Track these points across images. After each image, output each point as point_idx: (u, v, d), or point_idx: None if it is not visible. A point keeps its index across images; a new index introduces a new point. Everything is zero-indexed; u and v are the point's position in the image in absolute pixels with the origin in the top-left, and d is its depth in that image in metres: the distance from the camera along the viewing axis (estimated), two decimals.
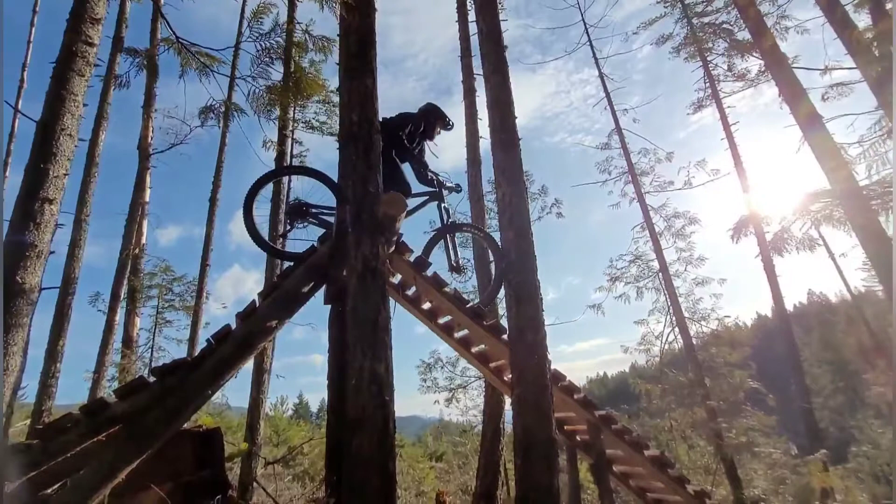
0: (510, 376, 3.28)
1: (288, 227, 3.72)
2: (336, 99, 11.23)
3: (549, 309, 3.61)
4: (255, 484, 5.76)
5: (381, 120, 4.03)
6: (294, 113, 10.86)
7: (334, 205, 3.60)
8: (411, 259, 3.97)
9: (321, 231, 3.73)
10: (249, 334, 3.20)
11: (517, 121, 3.87)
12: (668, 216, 11.65)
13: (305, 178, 3.73)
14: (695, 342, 10.42)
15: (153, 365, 10.90)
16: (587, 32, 13.46)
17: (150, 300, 12.14)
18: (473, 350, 4.67)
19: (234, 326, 3.22)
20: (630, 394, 13.22)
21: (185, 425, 3.30)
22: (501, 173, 3.56)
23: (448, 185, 4.33)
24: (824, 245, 10.23)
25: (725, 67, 12.27)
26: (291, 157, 11.31)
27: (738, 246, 10.93)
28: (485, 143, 8.19)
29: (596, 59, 13.28)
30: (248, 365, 7.40)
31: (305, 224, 3.76)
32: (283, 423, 13.97)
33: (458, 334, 4.59)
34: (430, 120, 4.16)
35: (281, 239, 3.69)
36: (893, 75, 3.71)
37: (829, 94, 8.10)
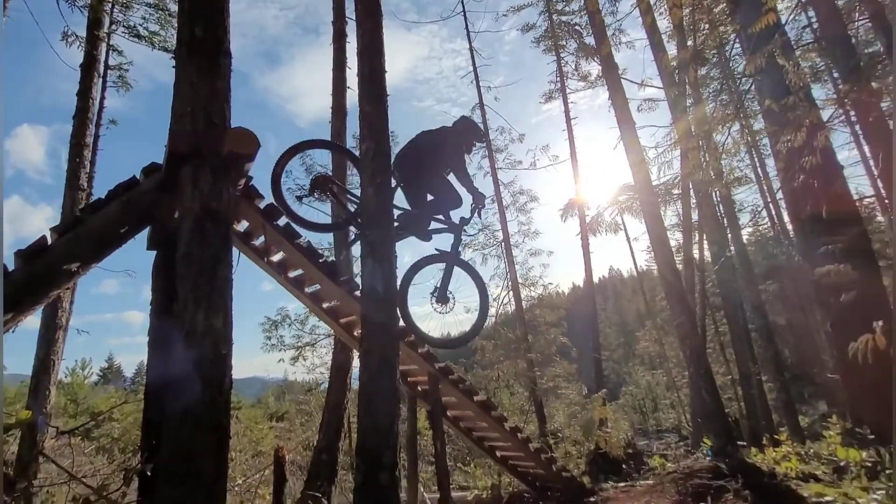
0: (360, 331, 3.32)
1: (305, 193, 3.83)
2: (174, 7, 9.23)
3: (403, 271, 3.71)
4: (41, 458, 4.78)
5: (426, 132, 4.00)
6: (113, 11, 8.64)
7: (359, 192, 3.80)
8: (261, 206, 3.64)
9: (337, 207, 3.97)
10: (35, 278, 2.58)
11: (388, 76, 3.78)
12: (514, 192, 12.98)
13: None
14: (524, 304, 12.06)
15: None
16: (462, 2, 13.67)
17: None
18: (325, 306, 4.59)
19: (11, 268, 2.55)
20: (468, 350, 14.72)
21: None
22: (367, 127, 3.45)
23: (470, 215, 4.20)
24: (624, 229, 12.66)
25: (573, 66, 13.88)
26: (106, 67, 9.11)
27: (566, 224, 12.94)
28: (352, 95, 7.82)
29: (468, 31, 13.66)
30: (35, 320, 5.97)
31: (324, 198, 3.95)
32: (85, 390, 11.83)
33: (309, 289, 4.44)
34: (468, 135, 4.24)
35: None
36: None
37: (643, 107, 9.86)
